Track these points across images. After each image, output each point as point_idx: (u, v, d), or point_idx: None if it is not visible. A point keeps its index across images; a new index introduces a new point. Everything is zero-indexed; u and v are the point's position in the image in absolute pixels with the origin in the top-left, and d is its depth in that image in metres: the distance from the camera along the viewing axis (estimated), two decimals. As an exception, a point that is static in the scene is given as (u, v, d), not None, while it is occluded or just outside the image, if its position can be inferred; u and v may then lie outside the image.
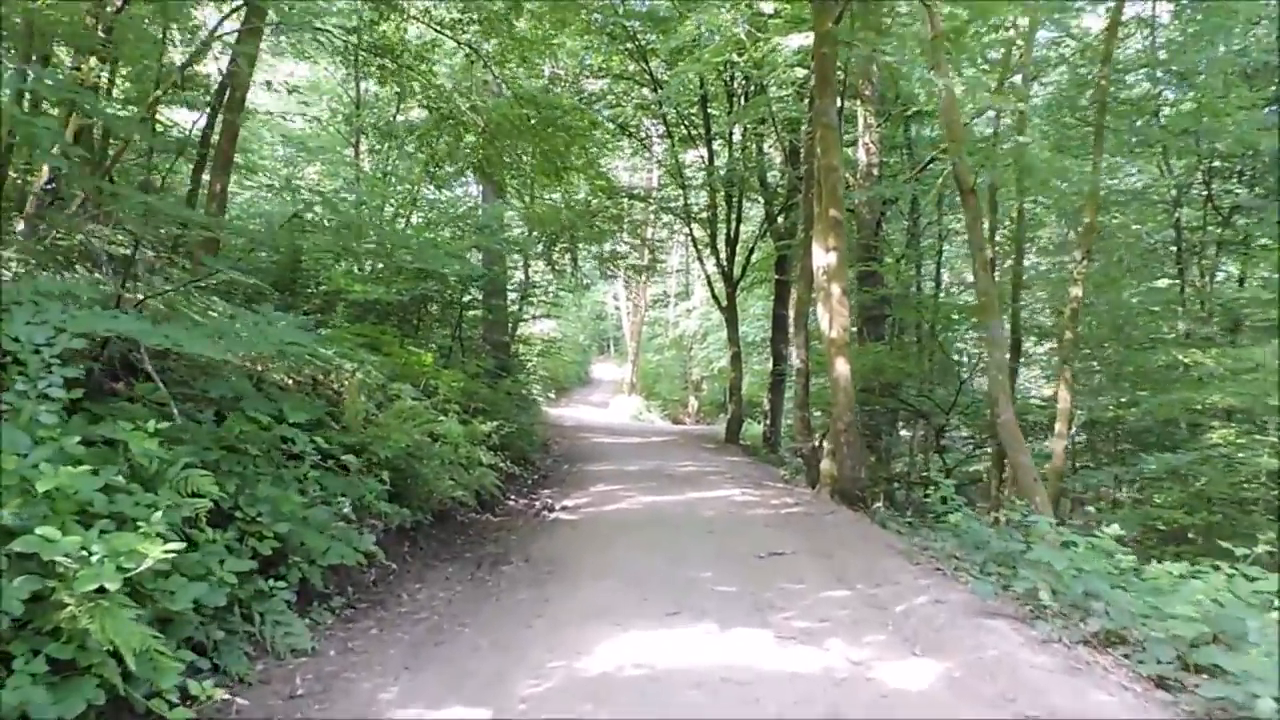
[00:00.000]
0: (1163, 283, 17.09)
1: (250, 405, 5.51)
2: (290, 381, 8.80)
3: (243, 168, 18.48)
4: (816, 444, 13.37)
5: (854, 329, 19.66)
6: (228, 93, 11.92)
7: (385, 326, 13.34)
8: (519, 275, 22.01)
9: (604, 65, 20.25)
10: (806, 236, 13.77)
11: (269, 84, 14.57)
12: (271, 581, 4.72)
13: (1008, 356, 8.98)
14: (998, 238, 16.14)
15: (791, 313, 25.18)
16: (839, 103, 14.60)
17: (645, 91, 21.79)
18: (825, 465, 11.20)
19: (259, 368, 8.14)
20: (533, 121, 12.36)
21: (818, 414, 15.43)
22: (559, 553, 7.71)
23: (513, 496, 11.78)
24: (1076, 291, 12.27)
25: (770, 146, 22.18)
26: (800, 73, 17.97)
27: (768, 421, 22.04)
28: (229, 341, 4.88)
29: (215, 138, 11.46)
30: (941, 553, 7.44)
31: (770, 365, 26.11)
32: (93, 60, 9.72)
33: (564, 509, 10.68)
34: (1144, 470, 11.83)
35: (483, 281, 17.56)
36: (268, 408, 6.20)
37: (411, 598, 6.13)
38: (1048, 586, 5.29)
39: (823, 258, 11.26)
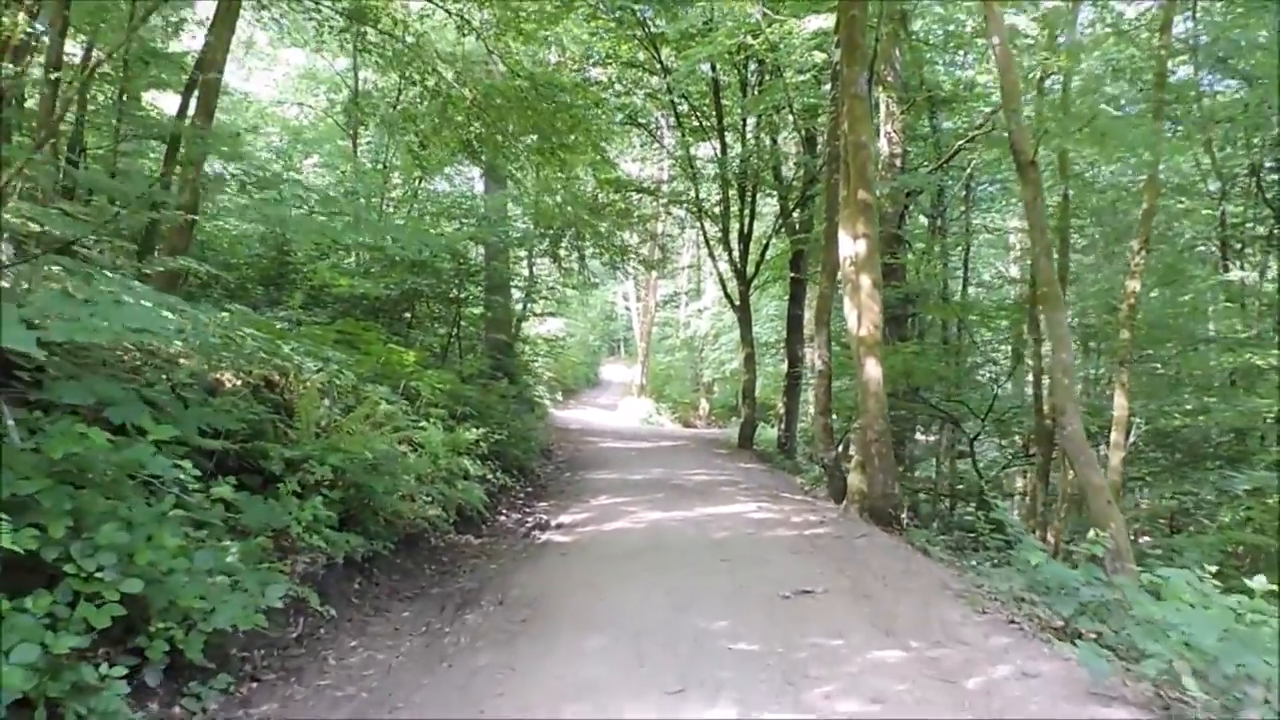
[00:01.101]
0: (1205, 280, 15.52)
1: (122, 414, 4.05)
2: (239, 382, 7.35)
3: (229, 156, 17.14)
4: (839, 453, 11.86)
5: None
6: (200, 75, 10.70)
7: (370, 323, 11.90)
8: (523, 273, 20.62)
9: (611, 52, 18.75)
10: (830, 225, 12.26)
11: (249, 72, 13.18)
12: (105, 667, 3.25)
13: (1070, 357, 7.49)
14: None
15: (808, 311, 23.69)
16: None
17: (654, 80, 20.32)
18: (853, 480, 9.68)
19: (195, 366, 6.71)
20: (529, 97, 10.90)
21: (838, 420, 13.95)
22: (541, 590, 6.23)
23: (503, 511, 10.32)
24: (1134, 286, 10.72)
25: (785, 138, 20.68)
26: (819, 56, 16.48)
27: (782, 426, 20.50)
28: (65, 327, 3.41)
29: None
30: (1008, 596, 5.92)
31: (784, 367, 24.72)
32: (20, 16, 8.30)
33: (558, 527, 9.20)
34: (1232, 486, 10.24)
35: (481, 276, 16.13)
36: (171, 417, 4.78)
37: (341, 662, 4.65)
38: (1188, 666, 3.77)
39: (850, 246, 9.76)
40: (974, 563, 7.37)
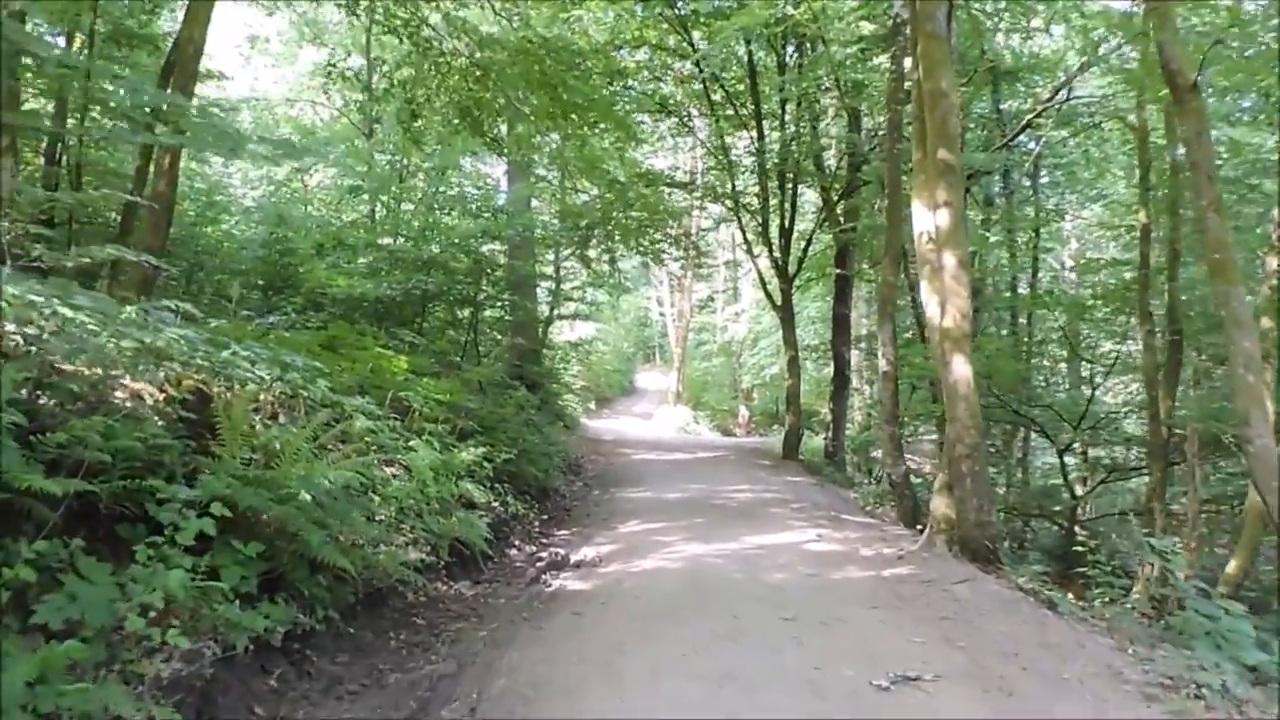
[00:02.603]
0: None
1: None
2: (161, 397, 5.55)
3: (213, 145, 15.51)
4: (909, 469, 9.85)
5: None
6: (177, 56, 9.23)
7: (367, 327, 10.09)
8: (549, 273, 18.80)
9: (638, 35, 16.85)
10: (891, 204, 10.25)
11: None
12: None
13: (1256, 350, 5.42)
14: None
15: (855, 310, 21.73)
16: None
17: (686, 67, 18.43)
18: (938, 504, 7.66)
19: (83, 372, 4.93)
20: (535, 53, 9.02)
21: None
22: (538, 680, 4.32)
23: (515, 542, 8.44)
24: (1276, 263, 8.60)
25: (828, 124, 18.65)
26: (867, 28, 14.49)
27: (829, 434, 18.45)
28: None
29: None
30: (1222, 695, 3.89)
31: (827, 371, 22.63)
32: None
33: (576, 567, 7.30)
34: None
35: (499, 276, 14.30)
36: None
37: None
38: None
39: (927, 220, 7.78)
40: (1123, 623, 5.32)
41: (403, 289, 11.37)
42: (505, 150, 12.75)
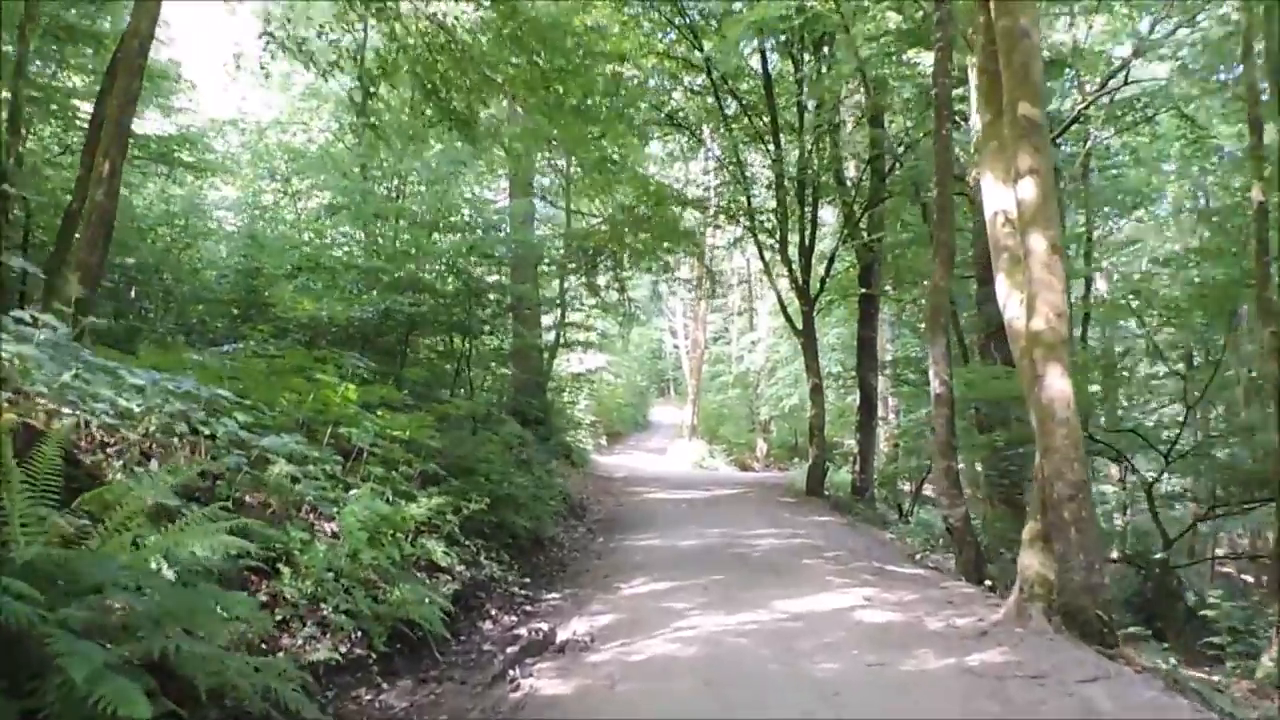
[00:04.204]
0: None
1: None
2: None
3: (199, 169, 13.95)
4: (967, 510, 7.91)
5: (966, 351, 14.18)
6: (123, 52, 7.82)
7: (331, 354, 8.28)
8: (554, 299, 17.07)
9: (646, 43, 15.23)
10: (942, 193, 8.44)
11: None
12: None
13: None
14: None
15: (875, 335, 19.76)
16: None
17: (698, 81, 16.82)
18: (1031, 562, 5.71)
19: None
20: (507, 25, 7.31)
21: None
22: None
23: (492, 611, 6.57)
24: None
25: (850, 131, 16.92)
26: (894, 19, 12.79)
27: (856, 468, 16.49)
28: None
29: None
30: None
31: (850, 400, 20.69)
32: None
33: (559, 652, 5.42)
34: None
35: (493, 299, 12.52)
36: None
37: None
38: None
39: (1003, 196, 5.98)
40: None
41: (376, 312, 9.62)
42: (481, 144, 10.95)
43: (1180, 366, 11.58)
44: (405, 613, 4.97)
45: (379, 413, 6.59)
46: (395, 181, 12.76)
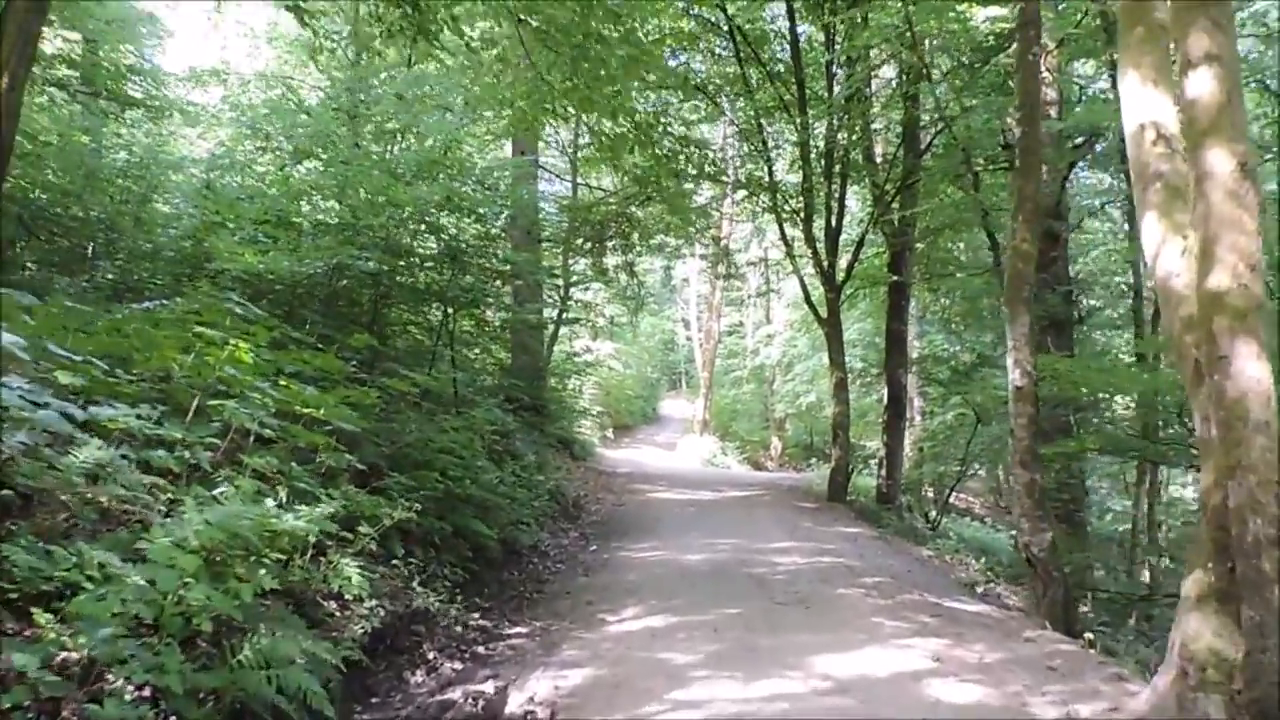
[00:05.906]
0: None
1: None
2: None
3: (150, 107, 12.14)
4: (1052, 537, 5.97)
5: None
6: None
7: (259, 314, 6.41)
8: (557, 274, 15.22)
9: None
10: (1031, 132, 6.45)
11: None
12: None
13: None
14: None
15: (905, 328, 17.75)
16: None
17: (718, 46, 14.93)
18: (1199, 629, 3.77)
19: None
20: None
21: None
22: None
23: (431, 655, 4.73)
24: None
25: (884, 106, 14.98)
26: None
27: (883, 472, 14.54)
28: None
29: None
30: None
31: (873, 399, 18.77)
32: None
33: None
34: None
35: (479, 265, 10.64)
36: None
37: None
38: None
39: (1152, 103, 4.09)
40: None
41: (328, 267, 7.79)
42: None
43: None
44: (252, 684, 3.14)
45: (282, 383, 4.76)
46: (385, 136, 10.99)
